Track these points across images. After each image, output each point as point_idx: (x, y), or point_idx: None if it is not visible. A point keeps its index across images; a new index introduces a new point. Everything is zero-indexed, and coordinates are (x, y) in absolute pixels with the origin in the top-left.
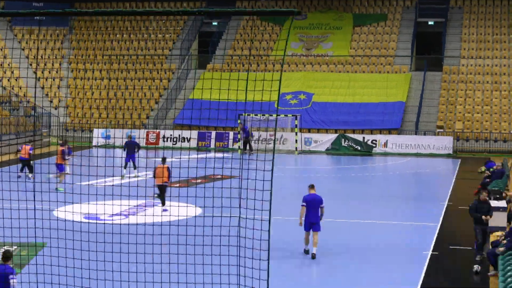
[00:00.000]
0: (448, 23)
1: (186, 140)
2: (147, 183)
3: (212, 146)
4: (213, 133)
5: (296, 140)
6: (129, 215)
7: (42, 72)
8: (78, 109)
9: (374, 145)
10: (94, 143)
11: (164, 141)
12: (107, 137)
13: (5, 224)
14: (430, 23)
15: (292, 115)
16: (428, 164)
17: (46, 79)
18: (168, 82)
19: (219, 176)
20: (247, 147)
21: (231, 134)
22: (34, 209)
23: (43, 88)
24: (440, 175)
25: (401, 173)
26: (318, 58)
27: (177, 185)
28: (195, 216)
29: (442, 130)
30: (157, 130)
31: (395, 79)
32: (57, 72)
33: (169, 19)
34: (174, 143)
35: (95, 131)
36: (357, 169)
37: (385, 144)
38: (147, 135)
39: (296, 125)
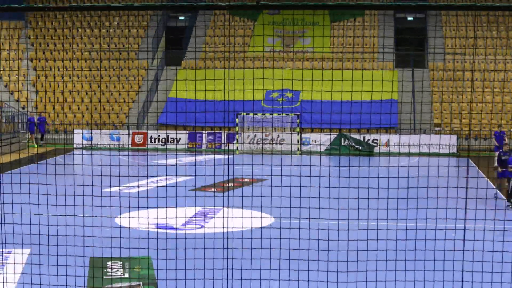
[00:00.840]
0: (428, 19)
1: (175, 141)
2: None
3: (204, 147)
4: (205, 134)
5: (298, 140)
6: (196, 223)
7: (3, 70)
8: (49, 109)
9: (375, 145)
10: (75, 145)
11: (151, 142)
12: (90, 138)
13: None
14: (409, 18)
15: (294, 114)
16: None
17: (9, 77)
18: (142, 80)
19: (247, 180)
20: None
21: (223, 134)
22: (101, 216)
23: (6, 86)
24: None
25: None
26: (299, 55)
27: (212, 189)
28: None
29: (440, 128)
30: (144, 131)
31: (381, 76)
32: (19, 69)
33: (133, 14)
34: (163, 144)
35: (76, 132)
36: (391, 170)
37: (387, 144)
38: (133, 136)
39: (298, 124)
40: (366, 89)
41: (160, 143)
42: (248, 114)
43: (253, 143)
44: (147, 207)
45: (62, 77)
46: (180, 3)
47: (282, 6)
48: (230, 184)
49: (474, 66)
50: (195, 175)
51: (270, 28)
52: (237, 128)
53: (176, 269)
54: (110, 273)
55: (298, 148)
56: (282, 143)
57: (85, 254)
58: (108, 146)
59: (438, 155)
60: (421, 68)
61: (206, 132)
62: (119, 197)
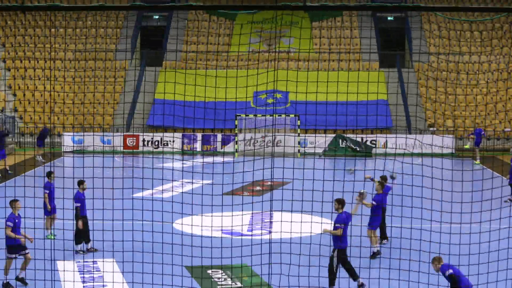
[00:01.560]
0: (408, 19)
1: (169, 143)
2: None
3: (199, 149)
4: (199, 136)
5: (299, 142)
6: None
7: None
8: (30, 111)
9: (373, 146)
10: (64, 148)
11: (144, 145)
12: (79, 141)
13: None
14: (389, 18)
15: (295, 115)
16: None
17: None
18: (124, 82)
19: (269, 183)
20: None
21: (219, 136)
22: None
23: None
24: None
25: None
26: (283, 55)
27: (246, 193)
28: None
29: (434, 129)
30: (136, 134)
31: (367, 76)
32: None
33: (105, 14)
34: (156, 147)
35: (65, 135)
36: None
37: (385, 145)
38: (125, 139)
39: (298, 126)
40: (353, 90)
41: (153, 146)
42: (248, 116)
43: (254, 145)
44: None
45: (39, 78)
46: (153, 3)
47: (260, 6)
48: (257, 188)
49: (459, 67)
50: (213, 178)
51: (249, 28)
52: (236, 130)
53: (288, 275)
54: (220, 283)
55: (299, 150)
56: (279, 145)
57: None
58: (98, 149)
59: (441, 155)
60: (406, 68)
61: (201, 134)
62: (172, 202)
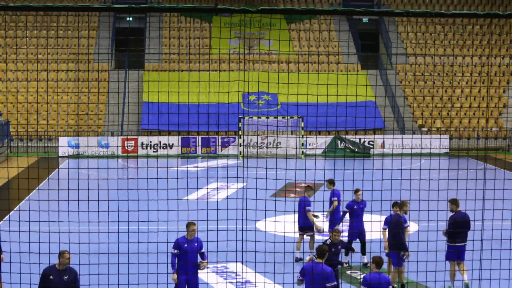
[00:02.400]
0: (381, 20)
1: (169, 147)
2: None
3: (199, 152)
4: (198, 139)
5: (303, 144)
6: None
7: None
8: (18, 115)
9: (371, 146)
10: (60, 153)
11: (143, 148)
12: (76, 146)
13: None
14: (364, 20)
15: (298, 117)
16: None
17: None
18: (108, 84)
19: (303, 184)
20: None
21: (218, 138)
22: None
23: None
24: None
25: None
26: (264, 57)
27: (292, 195)
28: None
29: (426, 129)
30: (135, 137)
31: (350, 78)
32: None
33: (77, 14)
34: (155, 150)
35: (60, 139)
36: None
37: (383, 145)
38: (123, 142)
39: (302, 127)
40: (340, 91)
41: (153, 149)
42: (252, 117)
43: (257, 147)
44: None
45: (18, 80)
46: (124, 4)
47: (235, 10)
48: (298, 189)
49: (437, 68)
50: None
51: (227, 30)
52: (240, 132)
53: None
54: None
55: (302, 151)
56: (279, 147)
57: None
58: (97, 153)
59: (438, 155)
60: (387, 70)
61: (200, 137)
62: (244, 199)
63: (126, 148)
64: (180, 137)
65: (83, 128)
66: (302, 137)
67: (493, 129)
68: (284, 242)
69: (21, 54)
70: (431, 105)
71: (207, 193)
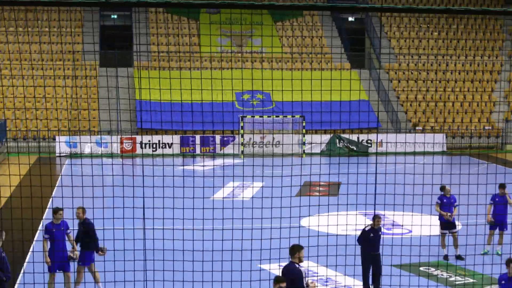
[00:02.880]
0: (368, 20)
1: (167, 146)
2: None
3: (198, 151)
4: (197, 138)
5: (304, 142)
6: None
7: None
8: (8, 114)
9: (369, 145)
10: (58, 152)
11: (141, 148)
12: (73, 145)
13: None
14: (350, 19)
15: (300, 116)
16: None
17: None
18: (97, 82)
19: (324, 183)
20: None
21: (217, 138)
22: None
23: None
24: None
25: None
26: (255, 55)
27: (316, 194)
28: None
29: (421, 128)
30: (133, 136)
31: (341, 76)
32: None
33: (61, 10)
34: (154, 149)
35: (57, 139)
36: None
37: (381, 144)
38: (122, 141)
39: (303, 126)
40: (333, 90)
41: (152, 148)
42: (254, 116)
43: (262, 146)
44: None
45: (4, 77)
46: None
47: (220, 5)
48: (321, 188)
49: (426, 67)
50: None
51: (215, 28)
52: (242, 131)
53: None
54: (450, 279)
55: (304, 150)
56: (277, 146)
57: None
58: (95, 153)
59: (433, 153)
60: (376, 69)
61: (200, 136)
62: (281, 197)
63: (125, 147)
64: (179, 136)
65: (77, 127)
66: (304, 136)
67: (486, 127)
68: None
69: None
70: (423, 104)
71: (232, 192)
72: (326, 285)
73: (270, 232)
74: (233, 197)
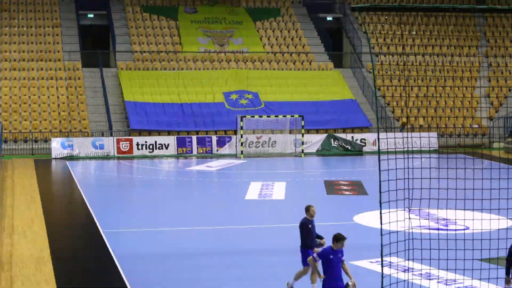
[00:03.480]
0: (345, 19)
1: (164, 147)
2: None
3: (195, 152)
4: (194, 138)
5: (303, 142)
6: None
7: None
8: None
9: (363, 144)
10: (54, 155)
11: (138, 149)
12: (70, 146)
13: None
14: (328, 18)
15: (299, 116)
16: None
17: None
18: (83, 83)
19: (347, 183)
20: None
21: (214, 138)
22: None
23: None
24: None
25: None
26: (238, 55)
27: (348, 193)
28: None
29: (409, 127)
30: (130, 137)
31: (326, 76)
32: None
33: (37, 9)
34: (151, 151)
35: (53, 141)
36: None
37: (374, 143)
38: (118, 143)
39: (303, 126)
40: (319, 90)
41: (148, 149)
42: (254, 116)
43: (259, 145)
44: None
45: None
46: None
47: None
48: (346, 187)
49: (408, 66)
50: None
51: (194, 27)
52: (242, 131)
53: None
54: None
55: (302, 150)
56: (273, 146)
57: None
58: (92, 155)
59: (428, 152)
60: (355, 68)
61: (196, 136)
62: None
63: (122, 148)
64: (175, 137)
65: (68, 129)
66: (303, 136)
67: (474, 126)
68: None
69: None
70: (410, 103)
71: (261, 192)
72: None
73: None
74: (265, 197)
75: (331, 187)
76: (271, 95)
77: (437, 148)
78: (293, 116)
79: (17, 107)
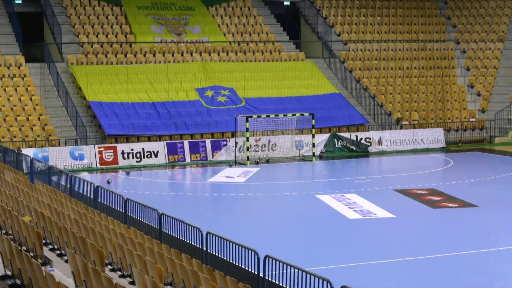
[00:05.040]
0: (303, 3)
1: (153, 154)
2: None
3: (188, 160)
4: (186, 143)
5: (313, 144)
6: None
7: None
8: None
9: (369, 144)
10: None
11: (124, 158)
12: (44, 158)
13: None
14: (286, 3)
15: (309, 114)
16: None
17: None
18: (32, 81)
19: (426, 191)
20: None
21: (208, 142)
22: None
23: None
24: None
25: None
26: (200, 45)
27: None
28: None
29: (406, 122)
30: (113, 145)
31: (301, 68)
32: None
33: None
34: (139, 160)
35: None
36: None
37: (380, 142)
38: (100, 153)
39: (313, 126)
40: (298, 83)
41: (136, 158)
42: (261, 116)
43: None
44: None
45: None
46: None
47: None
48: (439, 198)
49: (381, 55)
50: None
51: (143, 14)
52: (247, 134)
53: None
54: None
55: (313, 153)
56: (274, 149)
57: None
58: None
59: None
60: (326, 58)
61: (188, 141)
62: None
63: (105, 158)
64: (165, 142)
65: (30, 137)
66: (313, 137)
67: (471, 119)
68: None
69: None
70: (397, 96)
71: (352, 208)
72: None
73: None
74: (370, 216)
75: (421, 199)
76: (249, 90)
77: (444, 145)
78: (303, 114)
79: None
